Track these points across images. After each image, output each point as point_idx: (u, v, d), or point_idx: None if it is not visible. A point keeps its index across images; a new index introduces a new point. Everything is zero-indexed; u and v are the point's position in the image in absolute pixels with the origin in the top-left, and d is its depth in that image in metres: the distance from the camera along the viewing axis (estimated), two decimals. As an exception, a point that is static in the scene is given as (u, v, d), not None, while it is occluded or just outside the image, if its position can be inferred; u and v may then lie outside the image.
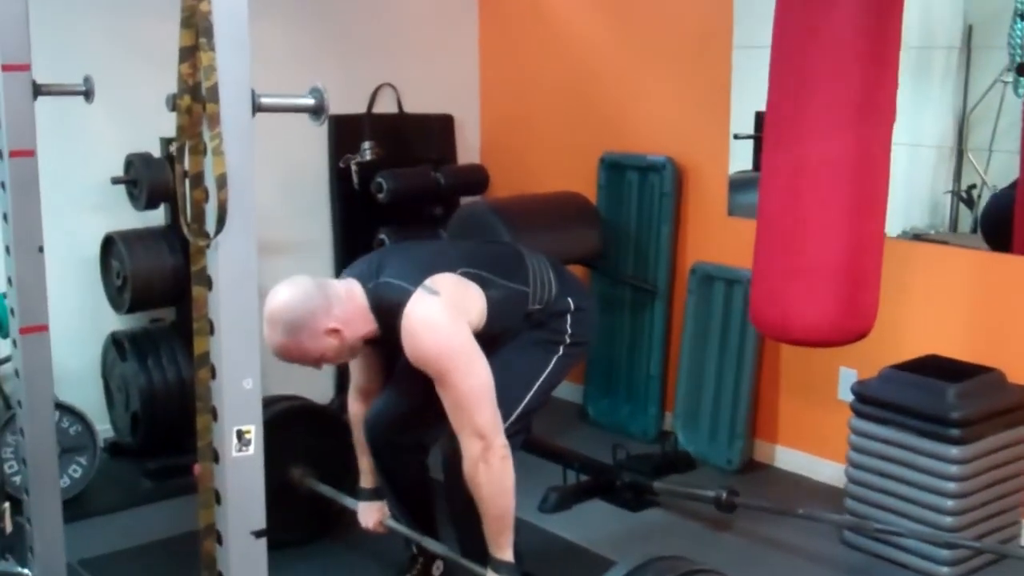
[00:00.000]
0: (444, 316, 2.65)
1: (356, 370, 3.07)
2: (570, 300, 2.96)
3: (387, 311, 2.70)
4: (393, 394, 3.07)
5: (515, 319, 2.86)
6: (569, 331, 2.95)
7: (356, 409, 3.11)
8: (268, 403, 3.61)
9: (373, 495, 3.17)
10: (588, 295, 3.09)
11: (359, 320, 2.72)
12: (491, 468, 2.63)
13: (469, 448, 2.63)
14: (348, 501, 3.33)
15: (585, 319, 2.99)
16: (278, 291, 2.66)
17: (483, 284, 2.79)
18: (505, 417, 2.75)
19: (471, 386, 2.63)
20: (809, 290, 3.12)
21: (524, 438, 2.96)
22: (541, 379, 2.90)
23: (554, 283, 2.94)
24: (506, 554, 2.71)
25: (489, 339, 2.75)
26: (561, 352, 2.94)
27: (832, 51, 3.00)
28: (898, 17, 3.06)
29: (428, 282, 2.69)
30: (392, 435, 3.04)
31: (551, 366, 2.92)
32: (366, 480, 3.17)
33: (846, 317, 3.15)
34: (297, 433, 3.53)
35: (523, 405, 2.84)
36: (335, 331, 2.66)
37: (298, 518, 3.56)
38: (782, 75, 3.14)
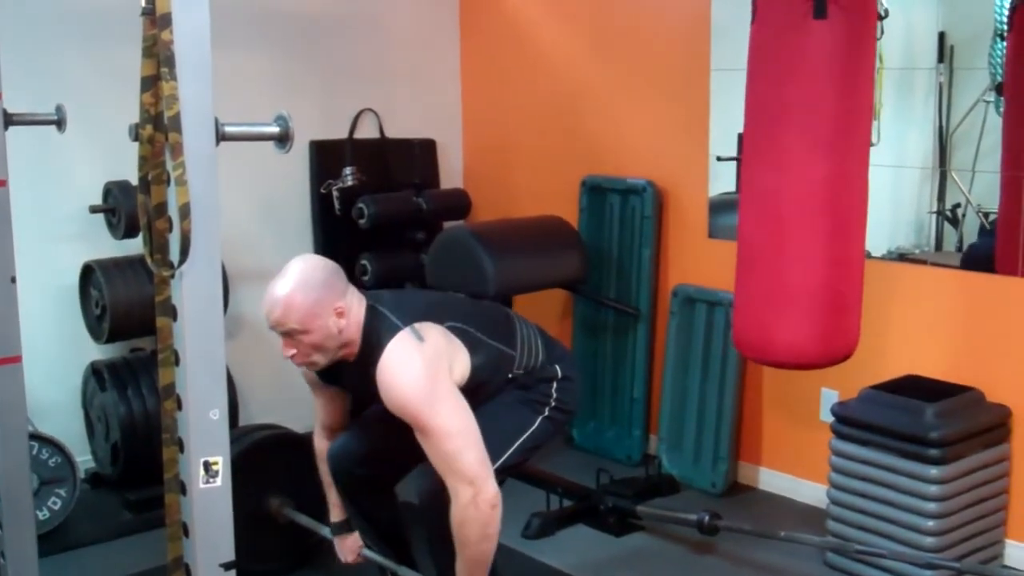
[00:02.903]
0: (422, 360, 2.60)
1: (320, 408, 3.05)
2: (558, 368, 2.95)
3: (372, 339, 2.68)
4: (359, 430, 3.05)
5: (497, 380, 2.83)
6: (555, 396, 2.93)
7: (321, 446, 3.10)
8: (247, 432, 3.59)
9: (344, 527, 3.15)
10: (575, 366, 3.06)
11: (355, 324, 2.68)
12: (480, 514, 2.56)
13: (459, 494, 2.56)
14: (327, 531, 3.31)
15: (571, 388, 2.98)
16: (306, 256, 2.69)
17: (470, 343, 2.76)
18: None
19: (453, 430, 2.56)
20: (791, 313, 3.11)
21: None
22: (524, 436, 2.87)
23: (541, 352, 2.93)
24: None
25: (468, 394, 2.70)
26: (546, 414, 2.91)
27: (807, 76, 3.00)
28: (872, 40, 3.07)
29: (417, 326, 2.65)
30: (356, 468, 3.01)
31: (536, 425, 2.89)
32: (335, 514, 3.15)
33: (829, 340, 3.13)
34: (276, 462, 3.51)
35: (504, 458, 2.80)
36: (341, 313, 2.63)
37: (277, 548, 3.53)
38: (758, 100, 3.15)
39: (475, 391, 2.73)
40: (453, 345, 2.72)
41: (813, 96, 3.00)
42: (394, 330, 2.63)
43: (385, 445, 2.93)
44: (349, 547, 3.16)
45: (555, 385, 2.93)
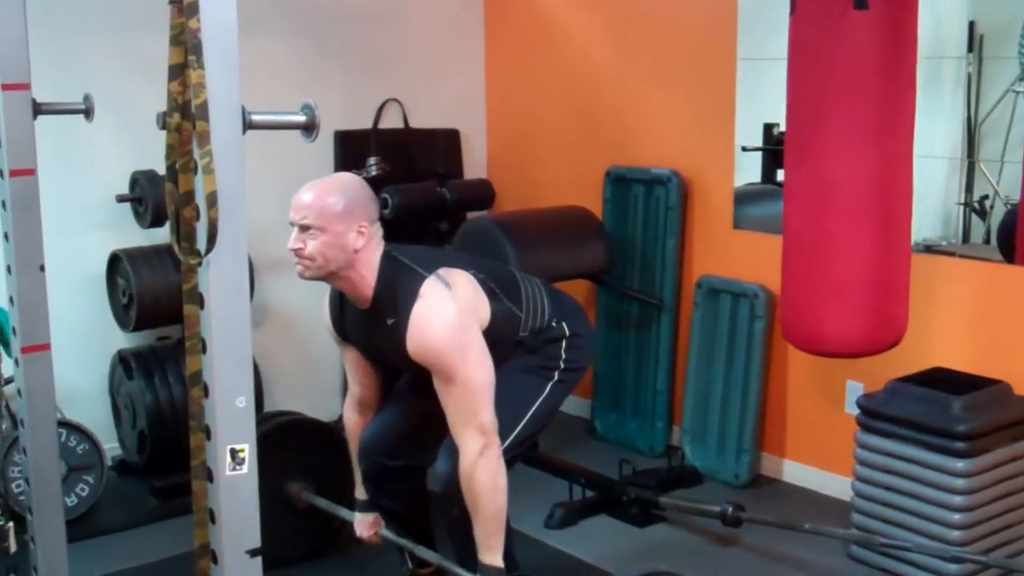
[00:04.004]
0: (455, 308, 2.65)
1: (352, 381, 3.07)
2: (565, 326, 2.95)
3: (390, 287, 2.69)
4: (387, 417, 3.07)
5: (507, 338, 2.84)
6: (564, 357, 2.93)
7: (352, 419, 3.12)
8: (267, 418, 3.62)
9: (368, 506, 3.17)
10: (585, 320, 3.07)
11: (370, 257, 2.70)
12: (490, 465, 2.63)
13: (469, 445, 2.63)
14: (344, 513, 3.33)
15: (581, 345, 2.98)
16: (356, 176, 2.78)
17: (490, 293, 2.79)
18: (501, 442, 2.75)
19: (479, 382, 2.63)
20: (840, 303, 3.13)
21: (514, 466, 2.94)
22: (536, 405, 2.89)
23: (547, 309, 2.93)
24: (496, 559, 2.71)
25: None
26: (556, 378, 2.93)
27: (849, 67, 3.01)
28: (913, 29, 3.07)
29: (442, 272, 2.69)
30: (386, 460, 3.03)
31: (546, 393, 2.91)
32: (362, 491, 3.17)
33: (878, 328, 3.17)
34: (296, 448, 3.53)
35: (517, 431, 2.83)
36: (362, 233, 2.65)
37: (298, 533, 3.55)
38: (800, 92, 3.15)
39: (489, 348, 2.73)
40: (477, 290, 2.75)
41: (856, 87, 3.02)
42: (419, 279, 2.66)
43: (414, 428, 2.95)
44: (368, 525, 3.18)
45: (564, 344, 2.94)
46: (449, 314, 2.63)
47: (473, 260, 2.97)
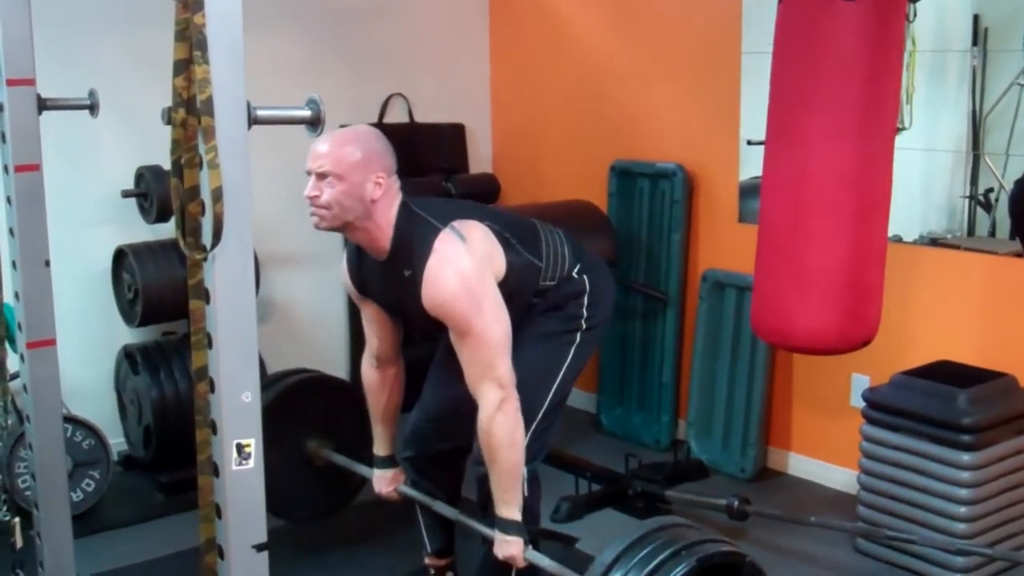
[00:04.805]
0: (471, 261, 2.64)
1: (370, 335, 3.07)
2: (586, 279, 2.94)
3: (407, 239, 2.69)
4: (428, 404, 3.10)
5: (527, 289, 2.84)
6: (585, 315, 2.93)
7: (369, 374, 3.12)
8: (281, 376, 3.62)
9: (388, 462, 3.18)
10: (606, 272, 3.06)
11: (387, 208, 2.69)
12: (508, 418, 2.63)
13: (488, 398, 2.63)
14: (363, 470, 3.34)
15: (601, 300, 2.98)
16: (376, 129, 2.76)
17: (505, 244, 2.78)
18: (532, 416, 2.77)
19: (495, 335, 2.63)
20: (810, 298, 3.10)
21: (551, 437, 2.96)
22: (561, 374, 2.90)
23: (568, 259, 2.92)
24: (513, 512, 2.72)
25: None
26: (579, 340, 2.93)
27: (834, 58, 2.98)
28: (900, 23, 3.04)
29: (456, 224, 2.68)
30: (437, 443, 3.07)
31: (570, 358, 2.92)
32: (381, 447, 3.18)
33: (848, 325, 3.13)
34: (314, 405, 3.54)
35: (548, 401, 2.85)
36: (379, 184, 2.64)
37: (317, 491, 3.57)
38: (783, 82, 3.13)
39: (507, 301, 2.72)
40: (492, 242, 2.74)
41: (840, 79, 2.98)
42: (434, 232, 2.65)
43: (457, 408, 2.92)
44: (388, 481, 3.19)
45: (585, 300, 2.93)
46: (463, 267, 2.63)
47: (491, 212, 2.96)
